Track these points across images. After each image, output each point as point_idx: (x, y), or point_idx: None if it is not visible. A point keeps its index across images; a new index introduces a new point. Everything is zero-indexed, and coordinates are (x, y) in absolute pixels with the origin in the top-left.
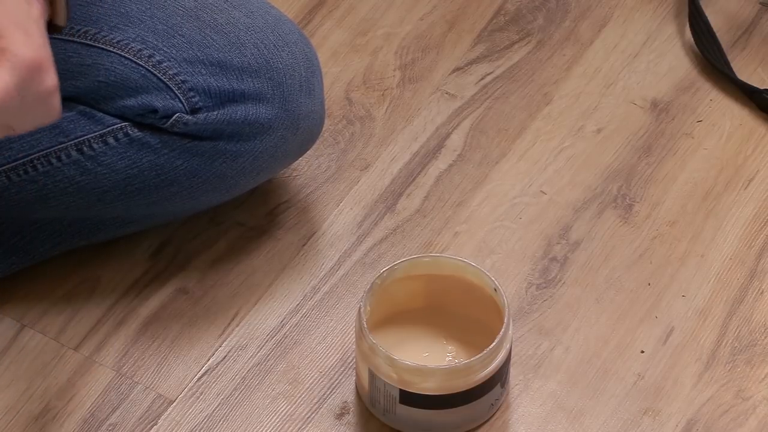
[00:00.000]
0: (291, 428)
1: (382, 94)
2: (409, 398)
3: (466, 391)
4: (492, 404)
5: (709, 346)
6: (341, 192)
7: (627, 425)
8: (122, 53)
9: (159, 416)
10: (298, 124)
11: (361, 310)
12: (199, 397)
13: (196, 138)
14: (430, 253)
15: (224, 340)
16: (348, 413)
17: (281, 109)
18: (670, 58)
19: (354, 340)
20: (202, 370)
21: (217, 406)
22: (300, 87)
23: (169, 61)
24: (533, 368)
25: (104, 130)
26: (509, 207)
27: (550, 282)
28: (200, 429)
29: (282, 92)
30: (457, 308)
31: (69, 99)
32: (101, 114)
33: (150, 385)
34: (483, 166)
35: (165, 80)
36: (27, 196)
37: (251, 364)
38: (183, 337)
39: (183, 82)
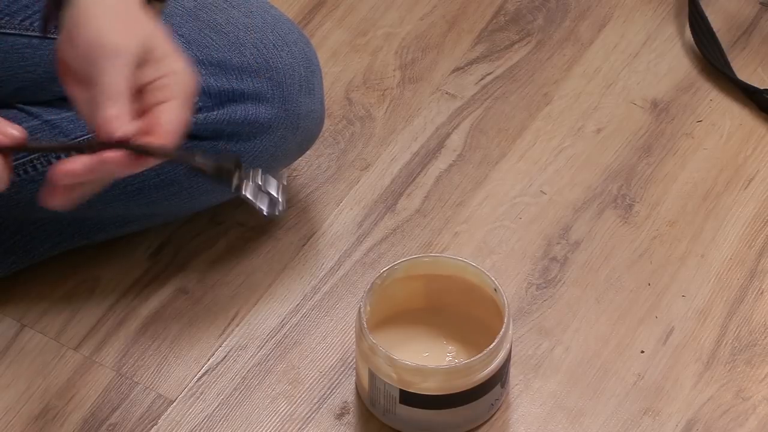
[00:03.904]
0: (291, 428)
1: (382, 94)
2: (409, 398)
3: (466, 391)
4: (492, 404)
5: (709, 346)
6: (341, 192)
7: (627, 425)
8: None
9: (159, 416)
10: (297, 123)
11: (361, 310)
12: (199, 397)
13: (196, 138)
14: (430, 253)
15: (224, 340)
16: (348, 413)
17: (281, 108)
18: (670, 58)
19: (354, 340)
20: (202, 370)
21: (217, 406)
22: (300, 86)
23: None
24: (533, 368)
25: None
26: (509, 207)
27: (550, 282)
28: (200, 429)
29: (282, 92)
30: (457, 308)
31: (68, 99)
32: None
33: (150, 385)
34: (483, 166)
35: None
36: (27, 196)
37: (251, 364)
38: (183, 337)
39: None
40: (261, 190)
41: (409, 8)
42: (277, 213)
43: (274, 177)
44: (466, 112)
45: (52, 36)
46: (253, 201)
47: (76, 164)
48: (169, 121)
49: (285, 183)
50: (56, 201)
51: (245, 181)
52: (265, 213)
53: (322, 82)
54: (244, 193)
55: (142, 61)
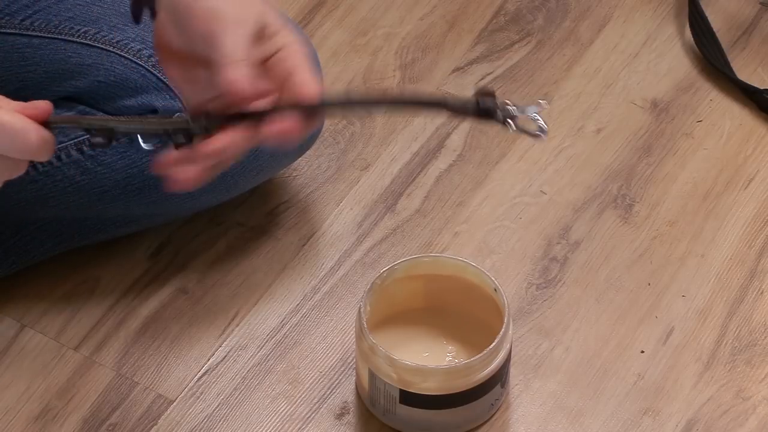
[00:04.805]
0: (291, 428)
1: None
2: (409, 398)
3: (466, 391)
4: (492, 404)
5: (709, 346)
6: (341, 192)
7: (627, 425)
8: (122, 53)
9: (159, 416)
10: None
11: (361, 310)
12: (199, 397)
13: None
14: (430, 253)
15: (224, 340)
16: (348, 413)
17: None
18: (670, 58)
19: (354, 340)
20: (202, 370)
21: (217, 406)
22: None
23: None
24: (533, 368)
25: None
26: (509, 207)
27: (550, 282)
28: (200, 429)
29: None
30: (457, 308)
31: (69, 99)
32: (101, 114)
33: (150, 385)
34: (483, 166)
35: (165, 80)
36: (27, 196)
37: (251, 364)
38: (183, 337)
39: None
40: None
41: (409, 8)
42: (544, 135)
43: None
44: None
45: (57, 37)
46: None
47: (228, 139)
48: (304, 81)
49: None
50: (192, 182)
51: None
52: (541, 137)
53: (322, 80)
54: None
55: (258, 36)
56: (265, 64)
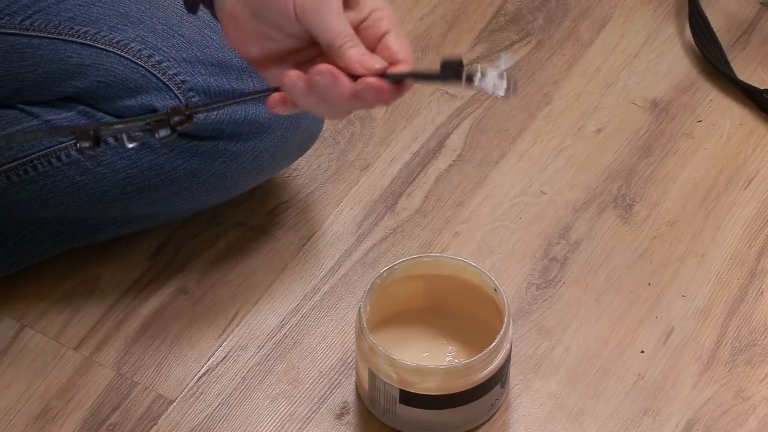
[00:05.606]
0: (291, 428)
1: None
2: (409, 398)
3: (466, 391)
4: (492, 404)
5: (709, 346)
6: (341, 192)
7: (627, 425)
8: (122, 53)
9: (159, 416)
10: (297, 123)
11: (361, 310)
12: (199, 397)
13: (196, 138)
14: (430, 253)
15: (224, 340)
16: (348, 413)
17: None
18: (670, 58)
19: (354, 340)
20: (202, 370)
21: (217, 406)
22: None
23: (169, 61)
24: (533, 368)
25: None
26: (509, 207)
27: (550, 282)
28: (200, 429)
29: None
30: (457, 308)
31: (69, 99)
32: (101, 114)
33: (150, 385)
34: (483, 166)
35: (164, 80)
36: (27, 196)
37: (251, 364)
38: (183, 337)
39: (183, 82)
40: (487, 77)
41: (409, 8)
42: (510, 93)
43: (494, 66)
44: (466, 112)
45: (57, 37)
46: (488, 88)
47: (346, 87)
48: (401, 48)
49: (508, 65)
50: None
51: (474, 74)
52: (502, 95)
53: None
54: (477, 83)
55: (345, 6)
56: (357, 29)
